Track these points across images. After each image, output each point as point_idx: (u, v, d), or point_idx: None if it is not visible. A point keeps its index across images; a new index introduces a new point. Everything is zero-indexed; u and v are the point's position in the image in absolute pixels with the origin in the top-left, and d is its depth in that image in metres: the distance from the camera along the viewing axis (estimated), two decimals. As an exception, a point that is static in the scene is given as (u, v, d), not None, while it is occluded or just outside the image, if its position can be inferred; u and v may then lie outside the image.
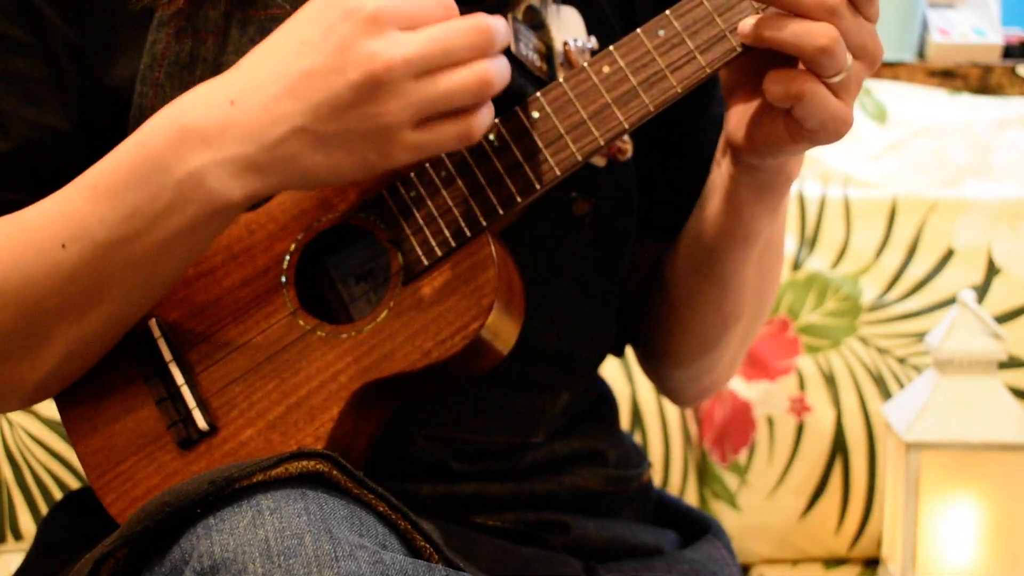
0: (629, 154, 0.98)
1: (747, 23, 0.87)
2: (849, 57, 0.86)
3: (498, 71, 0.82)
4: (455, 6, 0.83)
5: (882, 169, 1.70)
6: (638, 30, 0.89)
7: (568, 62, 0.97)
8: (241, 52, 0.92)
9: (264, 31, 0.93)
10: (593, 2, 1.01)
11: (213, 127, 0.82)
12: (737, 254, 1.01)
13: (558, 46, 0.97)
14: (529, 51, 0.96)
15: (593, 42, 0.98)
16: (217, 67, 0.93)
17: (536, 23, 0.98)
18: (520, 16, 0.97)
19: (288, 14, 0.91)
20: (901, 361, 1.58)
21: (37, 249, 0.87)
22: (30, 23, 0.93)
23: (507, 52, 0.94)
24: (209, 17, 0.94)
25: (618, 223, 1.02)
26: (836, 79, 0.86)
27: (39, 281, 0.86)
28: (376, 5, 0.80)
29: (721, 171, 0.98)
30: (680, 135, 1.07)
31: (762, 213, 0.98)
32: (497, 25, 0.82)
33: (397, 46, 0.79)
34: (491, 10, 0.95)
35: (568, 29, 0.98)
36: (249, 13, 0.94)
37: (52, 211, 0.87)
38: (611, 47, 0.89)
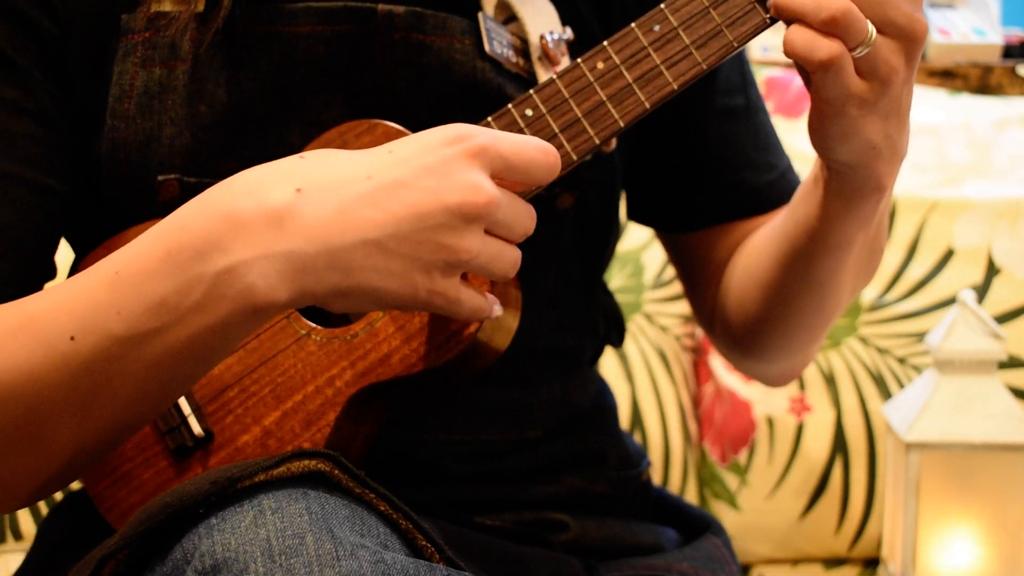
0: (613, 146, 0.98)
1: None
2: (872, 31, 0.83)
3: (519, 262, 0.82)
4: (558, 161, 0.80)
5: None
6: (632, 24, 0.88)
7: (546, 56, 0.96)
8: (221, 77, 0.91)
9: (252, 52, 0.92)
10: None
11: (270, 213, 0.74)
12: (833, 260, 0.99)
13: (534, 39, 0.97)
14: (504, 48, 0.96)
15: (569, 33, 0.97)
16: (192, 95, 0.92)
17: (508, 17, 0.98)
18: (491, 12, 0.97)
19: (274, 33, 0.90)
20: (901, 361, 1.58)
21: (41, 340, 0.78)
22: (18, 83, 0.90)
23: (481, 51, 0.94)
24: (176, 43, 0.92)
25: (601, 215, 1.02)
26: (856, 53, 0.83)
27: (44, 377, 0.78)
28: (488, 140, 0.77)
29: (811, 178, 0.97)
30: (680, 127, 1.07)
31: (853, 221, 0.95)
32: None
33: (493, 186, 0.77)
34: (459, 6, 0.95)
35: (542, 21, 0.97)
36: (228, 35, 0.92)
37: (61, 299, 0.78)
38: (605, 42, 0.88)
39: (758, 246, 1.06)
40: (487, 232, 0.78)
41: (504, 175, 0.78)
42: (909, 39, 0.85)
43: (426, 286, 0.77)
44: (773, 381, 1.19)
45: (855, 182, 0.92)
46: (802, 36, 0.83)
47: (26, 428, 0.79)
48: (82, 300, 0.78)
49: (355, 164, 0.77)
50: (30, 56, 0.91)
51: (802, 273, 1.01)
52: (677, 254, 1.15)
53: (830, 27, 0.82)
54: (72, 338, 0.77)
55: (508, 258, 0.79)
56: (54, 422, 0.79)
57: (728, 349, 1.16)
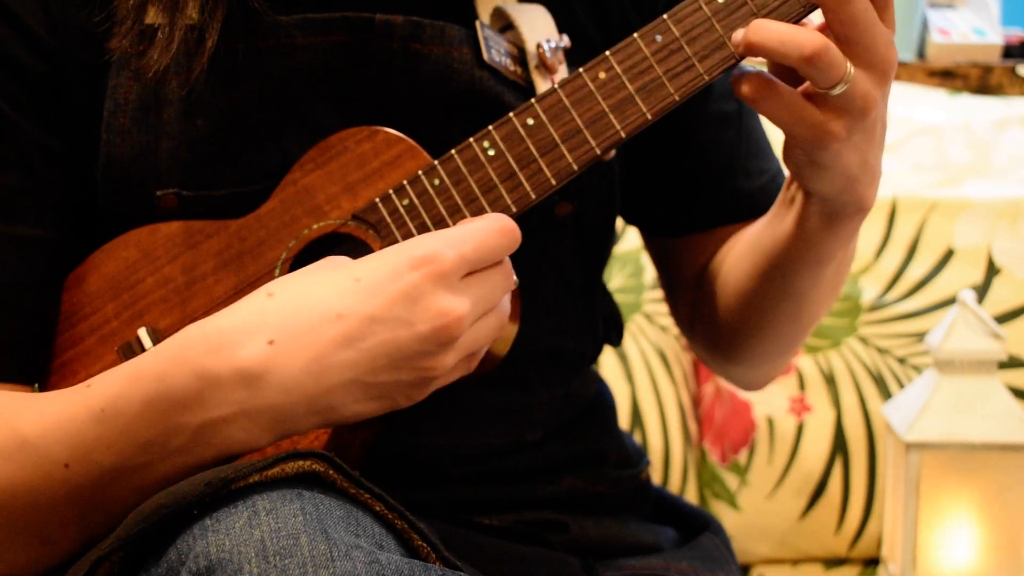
0: (612, 154, 0.98)
1: (739, 32, 0.85)
2: (850, 68, 0.83)
3: (507, 320, 0.84)
4: (517, 233, 0.82)
5: (882, 169, 1.70)
6: (635, 35, 0.88)
7: (543, 64, 0.96)
8: (218, 89, 0.91)
9: (249, 64, 0.92)
10: None
11: (245, 372, 0.75)
12: (812, 274, 0.99)
13: (531, 47, 0.97)
14: (502, 56, 0.95)
15: (566, 40, 0.97)
16: (189, 108, 0.91)
17: (505, 25, 0.98)
18: (487, 20, 0.97)
19: (272, 45, 0.90)
20: (901, 361, 1.58)
21: (37, 464, 0.80)
22: (3, 135, 0.90)
23: (479, 60, 0.94)
24: (171, 56, 0.91)
25: (600, 222, 1.02)
26: (835, 91, 0.83)
27: (40, 494, 0.80)
28: (451, 257, 0.78)
29: (789, 193, 0.97)
30: (674, 133, 1.07)
31: (835, 239, 0.95)
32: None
33: (463, 300, 0.78)
34: (455, 15, 0.95)
35: (538, 29, 0.97)
36: (224, 47, 0.92)
37: (50, 425, 0.80)
38: (607, 52, 0.88)
39: (738, 255, 1.06)
40: (465, 343, 0.80)
41: (473, 269, 0.80)
42: (886, 69, 0.85)
43: (407, 397, 0.80)
44: (748, 385, 1.21)
45: (836, 205, 0.92)
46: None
47: (29, 533, 0.82)
48: (71, 431, 0.79)
49: (325, 299, 0.77)
50: (16, 102, 0.90)
51: (780, 285, 1.01)
52: (661, 256, 1.16)
53: (809, 66, 0.82)
54: (66, 465, 0.79)
55: (490, 335, 0.82)
56: (56, 527, 0.82)
57: (706, 352, 1.17)
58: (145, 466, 0.78)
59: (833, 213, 0.93)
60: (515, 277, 0.83)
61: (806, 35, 0.82)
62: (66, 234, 0.93)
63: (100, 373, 0.89)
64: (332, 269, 0.80)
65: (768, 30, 0.83)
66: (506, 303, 0.83)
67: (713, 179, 1.09)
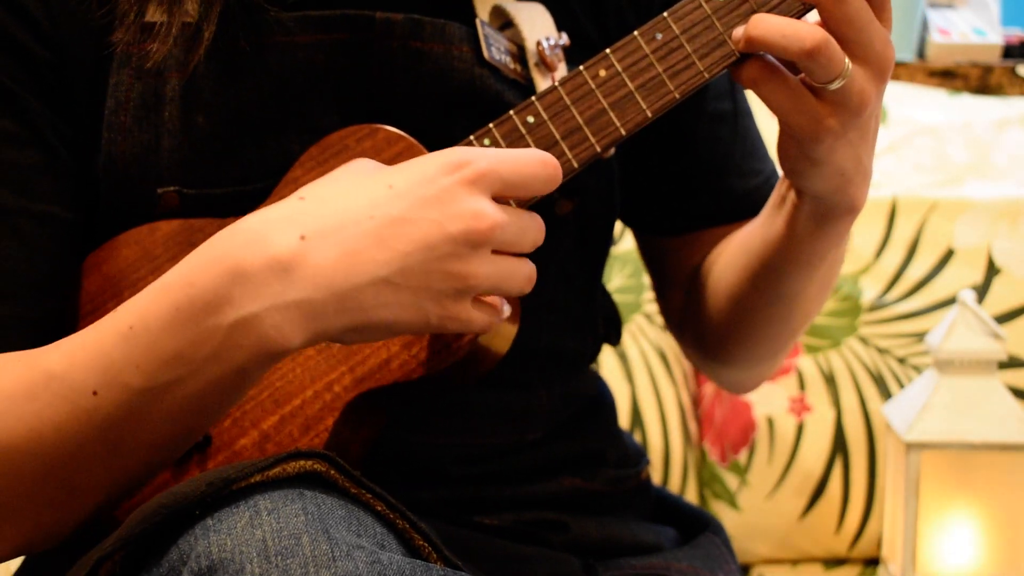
0: (612, 151, 0.98)
1: (739, 28, 0.85)
2: (848, 64, 0.84)
3: (535, 275, 0.83)
4: (559, 177, 0.81)
5: (882, 169, 1.70)
6: (635, 32, 0.88)
7: (543, 62, 0.97)
8: (219, 87, 0.91)
9: (249, 62, 0.92)
10: None
11: (276, 265, 0.74)
12: (803, 275, 1.00)
13: (530, 45, 0.97)
14: (502, 55, 0.96)
15: (565, 38, 0.97)
16: (189, 106, 0.91)
17: (504, 23, 0.98)
18: (486, 18, 0.97)
19: (272, 42, 0.90)
20: (901, 361, 1.58)
21: (64, 397, 0.78)
22: (18, 114, 0.90)
23: (480, 58, 0.94)
24: (171, 53, 0.91)
25: (600, 220, 1.02)
26: (833, 85, 0.84)
27: (70, 432, 0.78)
28: (487, 164, 0.77)
29: (781, 193, 0.97)
30: (669, 132, 1.07)
31: (826, 240, 0.96)
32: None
33: (496, 210, 0.77)
34: (455, 13, 0.95)
35: (538, 27, 0.98)
36: (224, 45, 0.92)
37: (78, 354, 0.79)
38: (607, 50, 0.88)
39: (729, 256, 1.06)
40: (496, 252, 0.78)
41: (506, 194, 0.79)
42: (883, 67, 0.86)
43: (438, 313, 0.77)
44: (736, 388, 1.21)
45: (828, 205, 0.93)
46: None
47: (56, 479, 0.80)
48: (100, 356, 0.78)
49: (357, 202, 0.77)
50: (27, 85, 0.90)
51: (771, 286, 1.01)
52: (652, 256, 1.16)
53: (809, 60, 0.82)
54: (94, 393, 0.78)
55: (520, 275, 0.80)
56: (83, 472, 0.80)
57: (695, 354, 1.17)
58: (175, 383, 0.76)
59: (825, 213, 0.93)
60: (543, 233, 0.82)
61: (807, 29, 0.82)
62: (82, 214, 0.93)
63: None
64: (365, 174, 0.79)
65: (769, 23, 0.83)
66: (533, 267, 0.82)
67: (707, 178, 1.09)
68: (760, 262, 1.01)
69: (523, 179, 0.79)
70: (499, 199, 0.79)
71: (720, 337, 1.10)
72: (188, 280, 0.76)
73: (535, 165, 0.79)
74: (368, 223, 0.76)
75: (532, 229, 0.80)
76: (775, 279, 1.01)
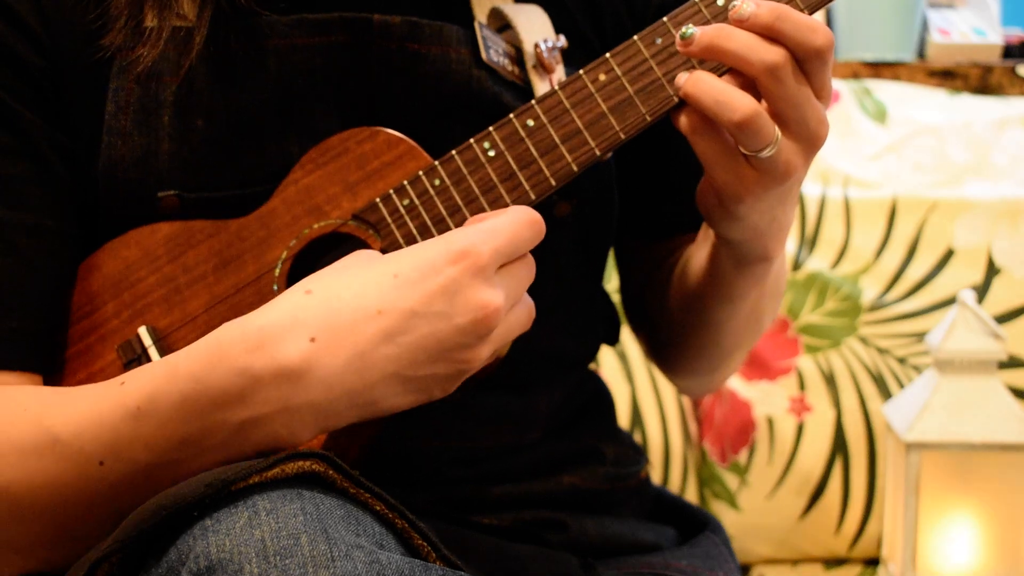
0: (610, 155, 0.99)
1: (682, 77, 0.86)
2: (778, 133, 0.85)
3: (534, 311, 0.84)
4: (542, 224, 0.82)
5: (882, 169, 1.70)
6: (635, 37, 0.88)
7: (540, 64, 0.97)
8: (218, 91, 0.91)
9: (248, 65, 0.92)
10: None
11: (288, 372, 0.74)
12: (725, 308, 1.02)
13: (528, 48, 0.97)
14: (500, 57, 0.96)
15: (562, 41, 0.98)
16: (189, 109, 0.92)
17: (502, 25, 0.98)
18: (485, 20, 0.97)
19: (270, 45, 0.90)
20: (901, 361, 1.58)
21: (72, 462, 0.79)
22: (10, 126, 0.90)
23: (477, 60, 0.94)
24: (169, 57, 0.91)
25: (599, 222, 1.03)
26: (761, 155, 0.85)
27: (73, 492, 0.79)
28: (490, 252, 0.78)
29: (702, 233, 0.99)
30: (652, 136, 1.07)
31: (743, 281, 0.98)
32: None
33: (499, 292, 0.79)
34: (452, 15, 0.95)
35: (536, 29, 0.98)
36: (223, 49, 0.92)
37: (84, 424, 0.79)
38: (607, 54, 0.88)
39: (676, 272, 1.09)
40: (500, 335, 0.81)
41: (505, 262, 0.80)
42: (814, 143, 0.86)
43: (442, 388, 0.80)
44: (688, 392, 1.25)
45: (741, 251, 0.95)
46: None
47: (59, 529, 0.81)
48: (107, 429, 0.78)
49: (365, 298, 0.77)
50: (21, 95, 0.91)
51: (697, 313, 1.04)
52: (627, 258, 1.16)
53: (736, 130, 0.83)
54: (101, 463, 0.78)
55: (522, 326, 0.83)
56: (90, 525, 0.81)
57: (646, 352, 1.20)
58: (182, 461, 0.77)
59: (739, 257, 0.96)
60: (534, 276, 0.84)
61: (740, 99, 0.83)
62: (76, 225, 0.93)
63: (94, 380, 0.90)
64: (368, 265, 0.79)
65: (705, 86, 0.84)
66: (532, 303, 0.84)
67: (684, 182, 1.10)
68: (690, 287, 1.04)
69: (519, 245, 0.81)
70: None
71: (662, 343, 1.14)
72: (196, 374, 0.76)
73: (525, 227, 0.81)
74: (377, 320, 0.76)
75: (526, 276, 0.82)
76: (700, 307, 1.04)
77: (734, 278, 0.99)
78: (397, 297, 0.77)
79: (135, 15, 0.91)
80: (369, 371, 0.76)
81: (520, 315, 0.82)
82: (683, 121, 0.86)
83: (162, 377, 0.77)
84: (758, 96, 0.85)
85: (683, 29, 0.85)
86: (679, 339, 1.11)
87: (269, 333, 0.76)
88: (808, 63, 0.84)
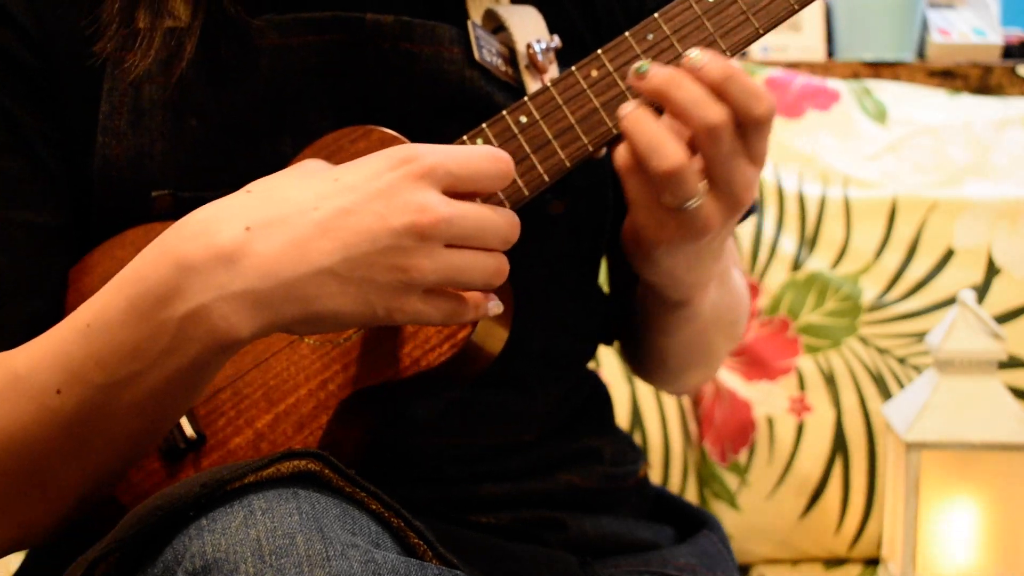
0: (604, 151, 0.99)
1: (625, 107, 0.86)
2: (702, 189, 0.85)
3: (506, 270, 0.82)
4: (512, 173, 0.80)
5: (882, 169, 1.70)
6: (626, 33, 0.88)
7: (533, 65, 0.97)
8: (212, 90, 0.91)
9: (242, 64, 0.92)
10: None
11: (221, 256, 0.75)
12: (660, 339, 1.05)
13: (521, 48, 0.97)
14: (493, 56, 0.96)
15: (556, 41, 0.98)
16: (183, 109, 0.92)
17: (496, 26, 0.98)
18: (479, 21, 0.97)
19: (264, 45, 0.90)
20: (901, 361, 1.58)
21: (30, 397, 0.79)
22: (4, 123, 0.90)
23: (471, 59, 0.95)
24: (162, 59, 0.91)
25: (593, 220, 1.03)
26: (685, 206, 0.85)
27: (36, 429, 0.79)
28: (435, 159, 0.77)
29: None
30: None
31: (672, 318, 1.01)
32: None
33: (443, 204, 0.77)
34: (447, 15, 0.95)
35: (529, 29, 0.98)
36: (217, 49, 0.93)
37: (41, 355, 0.80)
38: (599, 51, 0.88)
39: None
40: (452, 246, 0.78)
41: (457, 189, 0.79)
42: (737, 206, 0.87)
43: (383, 304, 0.77)
44: (668, 392, 1.26)
45: (662, 294, 0.97)
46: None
47: (28, 478, 0.81)
48: (61, 354, 0.79)
49: (302, 195, 0.77)
50: (15, 93, 0.91)
51: (644, 333, 1.08)
52: (618, 261, 1.17)
53: (659, 179, 0.84)
54: (58, 391, 0.79)
55: (479, 268, 0.79)
56: (55, 469, 0.81)
57: (621, 353, 1.21)
58: (136, 376, 0.77)
59: (661, 298, 0.98)
60: (518, 229, 0.81)
61: (671, 149, 0.83)
62: (71, 222, 0.94)
63: None
64: (313, 170, 0.79)
65: (642, 127, 0.84)
66: (504, 261, 0.81)
67: None
68: (637, 308, 1.06)
69: (472, 174, 0.79)
70: (456, 195, 0.79)
71: (628, 345, 1.15)
72: (139, 275, 0.77)
73: (485, 160, 0.79)
74: (313, 214, 0.76)
75: (499, 225, 0.80)
76: (644, 328, 1.06)
77: (660, 315, 1.01)
78: (335, 196, 0.76)
79: (126, 22, 0.91)
80: (303, 262, 0.75)
81: (482, 258, 0.80)
82: (621, 157, 0.86)
83: (110, 288, 0.78)
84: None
85: (639, 64, 0.86)
86: (634, 348, 1.14)
87: (205, 223, 0.76)
88: (747, 128, 0.84)
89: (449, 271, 0.78)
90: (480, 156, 0.79)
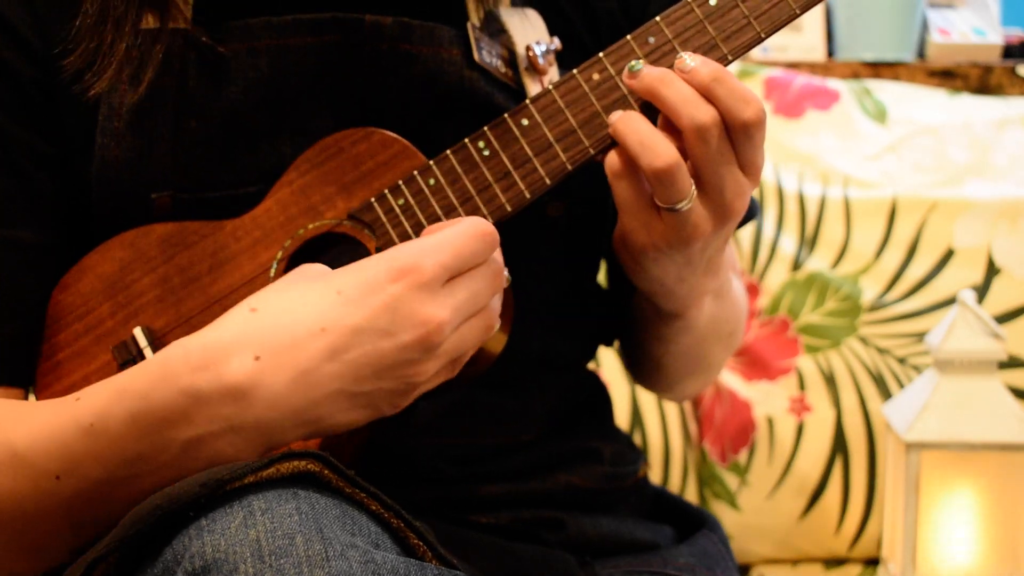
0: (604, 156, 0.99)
1: (615, 114, 0.87)
2: (693, 192, 0.85)
3: (497, 321, 0.84)
4: (494, 233, 0.81)
5: (882, 169, 1.70)
6: (628, 36, 0.89)
7: (532, 67, 0.97)
8: (211, 91, 0.91)
9: (241, 65, 0.93)
10: (552, 2, 1.01)
11: (231, 391, 0.75)
12: (658, 347, 1.06)
13: (520, 50, 0.97)
14: (493, 58, 0.96)
15: (556, 43, 0.98)
16: (182, 111, 0.92)
17: (496, 28, 0.98)
18: (479, 22, 0.97)
19: (263, 46, 0.90)
20: (901, 361, 1.58)
21: (27, 476, 0.80)
22: None
23: (470, 60, 0.95)
24: (163, 60, 0.92)
25: (592, 222, 1.03)
26: (676, 208, 0.86)
27: (32, 506, 0.80)
28: (433, 269, 0.78)
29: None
30: None
31: (668, 327, 1.01)
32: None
33: (444, 307, 0.78)
34: (447, 17, 0.95)
35: (529, 32, 0.98)
36: (216, 50, 0.93)
37: (40, 437, 0.80)
38: (600, 54, 0.89)
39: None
40: (449, 348, 0.80)
41: (452, 275, 0.80)
42: (726, 214, 0.87)
43: (390, 404, 0.80)
44: (666, 399, 1.27)
45: (655, 304, 0.98)
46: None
47: (20, 543, 0.82)
48: (61, 445, 0.79)
49: (308, 315, 0.77)
50: (6, 107, 0.91)
51: (640, 341, 1.08)
52: (617, 266, 1.17)
53: (652, 178, 0.84)
54: (57, 477, 0.79)
55: (477, 337, 0.82)
56: (49, 539, 0.82)
57: (620, 356, 1.21)
58: (134, 478, 0.78)
59: (655, 307, 0.99)
60: (506, 274, 0.83)
61: (664, 148, 0.84)
62: (57, 238, 0.94)
63: (89, 381, 0.90)
64: (312, 281, 0.79)
65: (634, 127, 0.85)
66: (496, 303, 0.83)
67: None
68: (634, 315, 1.07)
69: (465, 260, 0.80)
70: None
71: (626, 352, 1.16)
72: (143, 392, 0.77)
73: (473, 241, 0.80)
74: (321, 337, 0.76)
75: (488, 282, 0.81)
76: (641, 337, 1.07)
77: (656, 324, 1.02)
78: (341, 314, 0.77)
79: (93, 36, 0.91)
80: (314, 389, 0.76)
81: (475, 327, 0.81)
82: (612, 161, 0.87)
83: (113, 395, 0.78)
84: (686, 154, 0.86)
85: (632, 63, 0.86)
86: (632, 356, 1.14)
87: (213, 352, 0.76)
88: (735, 133, 0.85)
89: (451, 357, 0.80)
90: (468, 238, 0.80)
